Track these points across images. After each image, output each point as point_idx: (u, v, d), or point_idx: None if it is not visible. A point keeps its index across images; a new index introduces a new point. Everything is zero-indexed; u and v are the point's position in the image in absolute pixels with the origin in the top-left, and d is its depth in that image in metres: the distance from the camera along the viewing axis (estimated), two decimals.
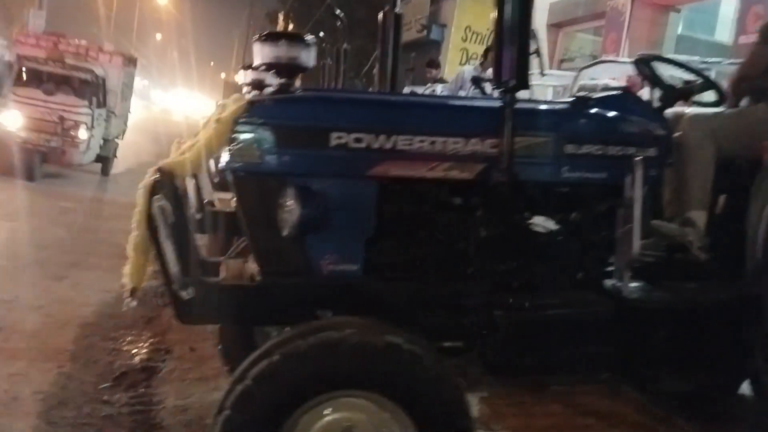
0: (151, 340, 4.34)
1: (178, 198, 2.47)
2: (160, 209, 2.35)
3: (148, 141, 16.91)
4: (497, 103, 2.48)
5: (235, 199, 2.51)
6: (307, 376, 2.04)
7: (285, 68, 2.48)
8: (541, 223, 2.66)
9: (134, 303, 2.45)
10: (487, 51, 7.81)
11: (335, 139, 2.39)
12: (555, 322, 2.47)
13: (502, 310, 2.42)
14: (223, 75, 69.87)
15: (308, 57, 2.49)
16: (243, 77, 4.05)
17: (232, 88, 41.84)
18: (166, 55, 64.34)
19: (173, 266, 2.32)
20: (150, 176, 2.43)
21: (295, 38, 2.47)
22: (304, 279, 2.44)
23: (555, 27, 12.21)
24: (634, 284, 2.59)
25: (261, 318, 2.65)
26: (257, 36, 2.52)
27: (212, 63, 74.91)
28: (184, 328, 4.48)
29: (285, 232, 2.33)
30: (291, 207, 2.30)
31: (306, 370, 2.03)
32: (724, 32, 11.68)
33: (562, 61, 11.25)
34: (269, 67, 2.51)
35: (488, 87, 5.57)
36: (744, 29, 7.11)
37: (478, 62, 8.27)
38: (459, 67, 8.54)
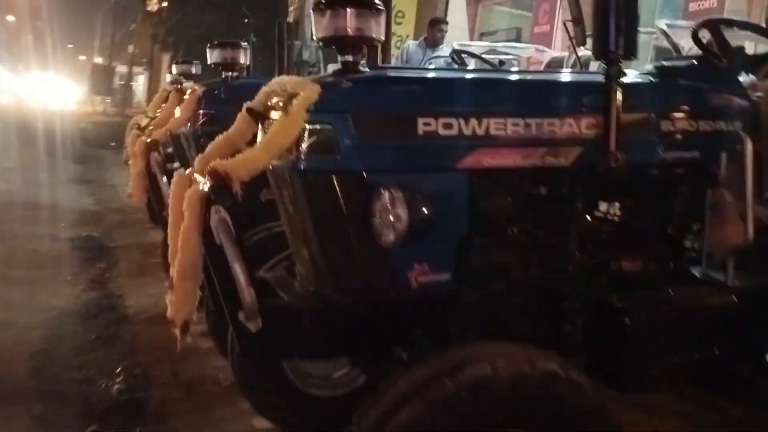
0: (121, 364, 3.76)
1: (237, 208, 2.00)
2: (222, 224, 1.89)
3: None
4: (592, 77, 2.18)
5: (298, 204, 2.08)
6: (459, 425, 1.65)
7: (351, 42, 2.06)
8: (632, 211, 2.38)
9: (189, 340, 1.98)
10: (434, 21, 7.52)
11: (423, 126, 2.01)
12: (685, 320, 2.20)
13: (621, 311, 2.13)
14: (82, 57, 66.37)
15: (378, 28, 2.07)
16: (212, 55, 3.59)
17: (102, 71, 39.71)
18: (20, 38, 59.97)
19: (247, 293, 1.86)
20: (201, 182, 1.96)
21: (364, 5, 2.05)
22: (393, 296, 2.05)
23: (474, 1, 12.09)
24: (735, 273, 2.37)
25: (346, 348, 2.20)
26: (315, 4, 2.09)
27: (70, 45, 70.40)
28: (150, 346, 3.97)
29: (385, 242, 1.92)
30: (394, 211, 1.90)
31: (458, 417, 1.63)
32: None
33: (482, 34, 11.12)
34: (331, 41, 2.08)
35: (471, 61, 5.24)
36: None
37: (421, 37, 7.93)
38: (401, 44, 8.20)
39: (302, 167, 1.96)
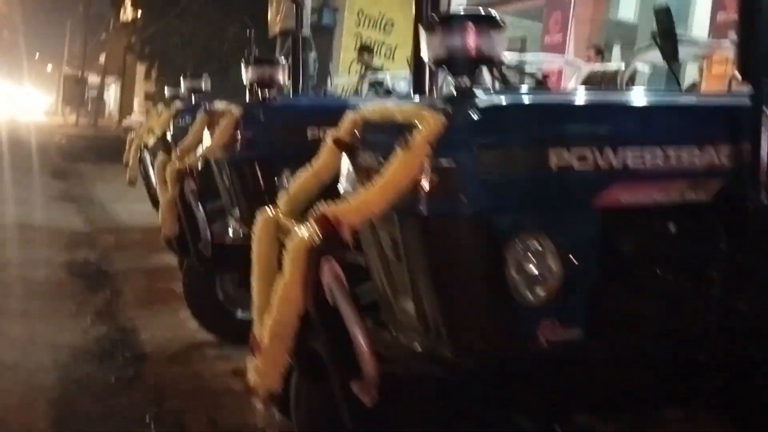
0: (149, 411, 3.41)
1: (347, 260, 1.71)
2: (336, 281, 1.60)
3: None
4: (725, 100, 1.93)
5: (410, 252, 1.79)
6: None
7: (468, 63, 1.78)
8: None
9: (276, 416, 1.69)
10: None
11: (556, 159, 1.74)
12: None
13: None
14: (50, 67, 64.96)
15: (499, 45, 1.80)
16: (249, 73, 3.30)
17: (74, 81, 38.91)
18: None
19: (369, 361, 1.57)
20: (304, 229, 1.66)
21: (484, 21, 1.78)
22: (521, 357, 1.77)
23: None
24: None
25: (470, 417, 1.90)
26: (425, 22, 1.82)
27: (37, 54, 68.89)
28: (178, 389, 3.65)
29: (526, 298, 1.65)
30: (543, 263, 1.62)
31: None
32: None
33: None
34: (444, 61, 1.81)
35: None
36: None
37: None
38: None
39: (422, 211, 1.68)
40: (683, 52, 2.79)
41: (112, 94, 39.80)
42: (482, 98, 1.77)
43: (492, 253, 1.66)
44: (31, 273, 5.86)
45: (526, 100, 1.97)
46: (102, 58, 39.97)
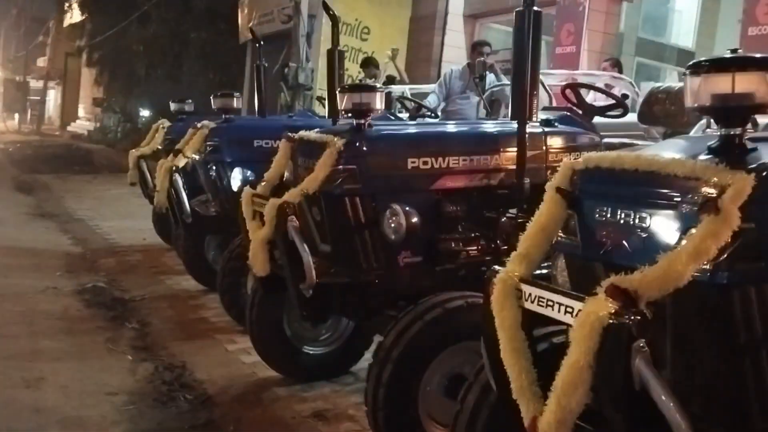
0: None
1: None
2: (646, 365, 1.43)
3: None
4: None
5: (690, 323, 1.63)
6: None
7: (741, 111, 1.64)
8: None
9: None
10: (475, 45, 7.10)
11: None
12: None
13: None
14: None
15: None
16: (344, 101, 3.11)
17: (15, 87, 37.25)
18: None
19: None
20: (593, 305, 1.49)
21: (755, 63, 1.63)
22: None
23: (472, 19, 11.79)
24: None
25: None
26: (691, 66, 1.66)
27: None
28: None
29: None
30: None
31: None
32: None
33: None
34: (711, 110, 1.66)
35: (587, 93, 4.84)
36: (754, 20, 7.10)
37: (464, 63, 7.40)
38: (446, 69, 7.67)
39: (724, 280, 1.52)
40: None
41: (52, 100, 38.40)
42: (746, 146, 1.64)
43: None
44: (47, 305, 5.48)
45: None
46: (41, 62, 38.52)
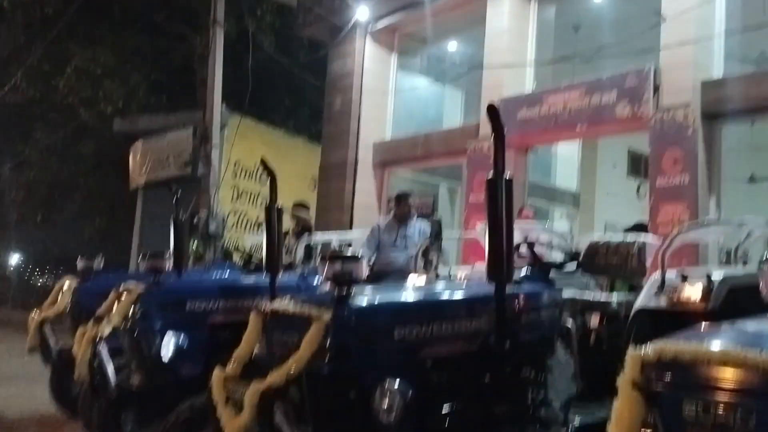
0: None
1: None
2: None
3: None
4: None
5: None
6: None
7: None
8: None
9: None
10: (400, 197, 7.13)
11: None
12: None
13: None
14: None
15: None
16: (326, 269, 2.97)
17: None
18: None
19: None
20: None
21: None
22: None
23: (380, 167, 12.06)
24: None
25: None
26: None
27: None
28: None
29: None
30: None
31: None
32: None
33: (389, 200, 10.99)
34: None
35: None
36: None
37: (390, 214, 7.42)
38: (373, 223, 7.60)
39: None
40: None
41: None
42: None
43: None
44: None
45: None
46: None
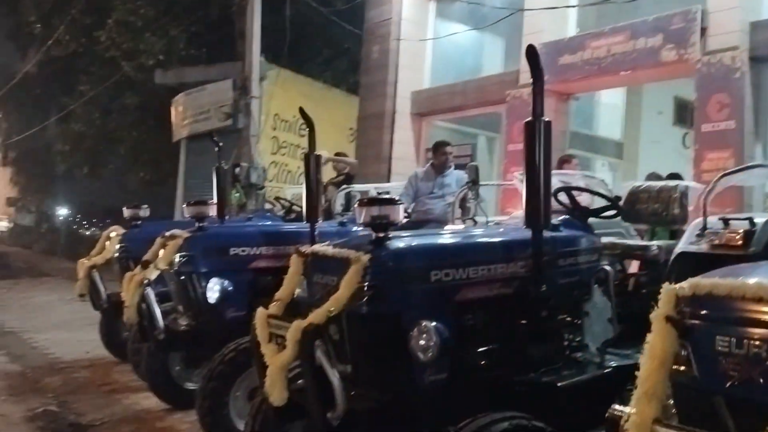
0: None
1: None
2: None
3: None
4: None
5: None
6: None
7: None
8: None
9: None
10: (438, 145, 7.11)
11: None
12: None
13: None
14: None
15: None
16: (362, 214, 3.00)
17: None
18: None
19: None
20: None
21: None
22: None
23: (418, 116, 12.01)
24: None
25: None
26: None
27: None
28: None
29: None
30: None
31: None
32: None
33: (427, 149, 10.97)
34: None
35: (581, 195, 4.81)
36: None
37: (428, 164, 7.41)
38: (411, 172, 7.65)
39: None
40: None
41: None
42: None
43: None
44: None
45: None
46: None
